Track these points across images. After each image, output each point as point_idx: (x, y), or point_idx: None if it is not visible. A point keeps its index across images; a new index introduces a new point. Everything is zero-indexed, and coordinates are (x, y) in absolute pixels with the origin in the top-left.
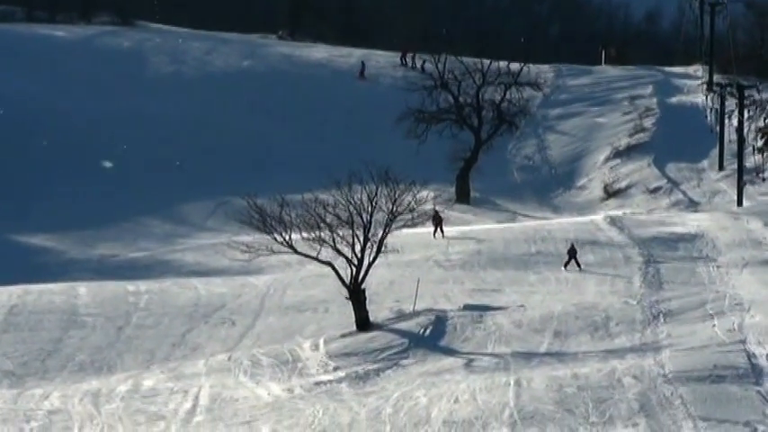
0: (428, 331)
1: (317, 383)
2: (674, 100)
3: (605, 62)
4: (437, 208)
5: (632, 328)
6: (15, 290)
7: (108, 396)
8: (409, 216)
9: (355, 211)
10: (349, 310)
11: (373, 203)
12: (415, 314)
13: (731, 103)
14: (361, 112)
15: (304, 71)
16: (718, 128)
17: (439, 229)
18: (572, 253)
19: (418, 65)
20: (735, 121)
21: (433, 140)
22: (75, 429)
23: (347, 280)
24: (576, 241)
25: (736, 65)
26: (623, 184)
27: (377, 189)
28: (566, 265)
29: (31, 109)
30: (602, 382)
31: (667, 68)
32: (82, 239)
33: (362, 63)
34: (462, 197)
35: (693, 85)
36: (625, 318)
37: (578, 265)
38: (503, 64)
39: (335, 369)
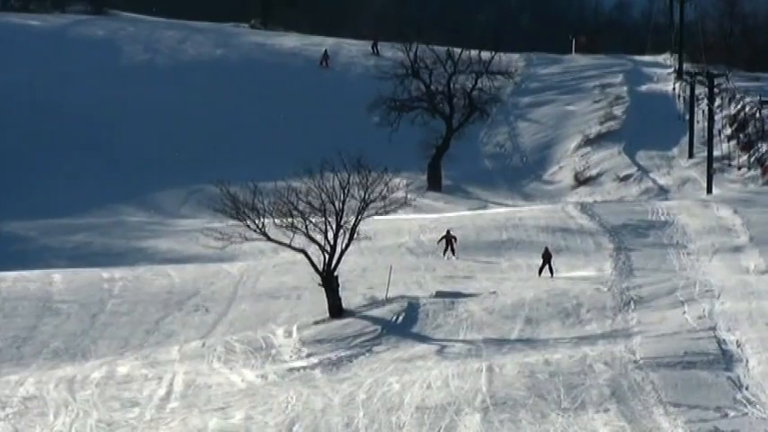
0: (400, 318)
1: (291, 370)
2: (644, 88)
3: (576, 51)
4: (449, 229)
5: (603, 314)
6: None
7: (83, 382)
8: (381, 204)
9: (328, 199)
10: (322, 297)
11: (345, 191)
12: (388, 301)
13: (701, 92)
14: (333, 101)
15: (276, 60)
16: (687, 116)
17: (450, 250)
18: (546, 258)
19: (382, 53)
20: (705, 110)
21: (405, 128)
22: (50, 416)
23: (320, 267)
24: (546, 228)
25: (705, 53)
26: (594, 172)
27: (349, 177)
28: (540, 271)
29: (4, 98)
30: (574, 368)
31: (637, 57)
32: (56, 227)
33: (325, 51)
34: (434, 185)
35: (663, 74)
36: (596, 304)
37: (551, 271)
38: (474, 52)
39: (309, 355)
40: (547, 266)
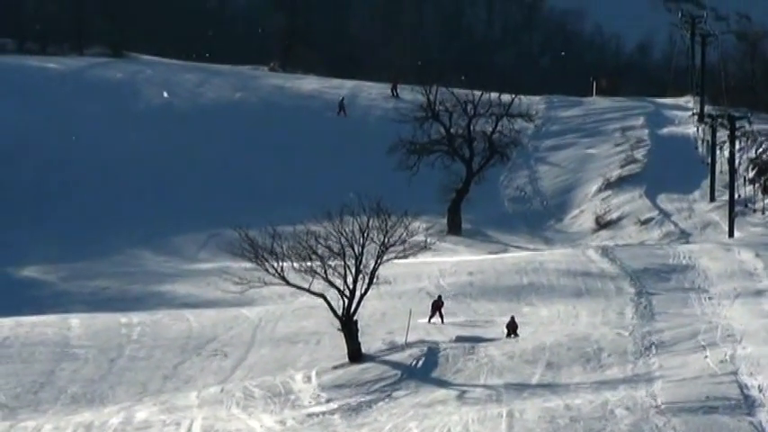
0: (420, 363)
1: (310, 415)
2: (665, 131)
3: (596, 93)
4: (440, 295)
5: (624, 359)
6: (7, 322)
7: (100, 428)
8: (401, 248)
9: (347, 243)
10: (341, 342)
11: (365, 235)
12: (408, 346)
13: (722, 135)
14: (352, 144)
15: (295, 103)
16: (709, 159)
17: (438, 315)
18: (512, 327)
19: (401, 96)
20: (726, 153)
21: (425, 172)
22: None
23: (339, 311)
24: (567, 272)
25: (727, 96)
26: (615, 216)
27: (368, 220)
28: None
29: (22, 141)
30: (595, 413)
31: (658, 100)
32: (74, 272)
33: (341, 99)
34: (454, 228)
35: (685, 117)
36: (617, 349)
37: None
38: (494, 95)
39: (328, 401)
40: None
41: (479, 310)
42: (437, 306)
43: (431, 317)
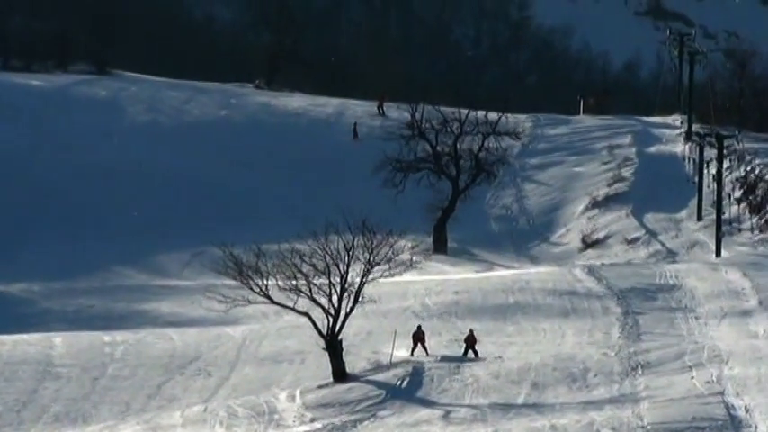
0: (405, 382)
1: None
2: (652, 150)
3: (584, 112)
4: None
5: (610, 379)
6: None
7: None
8: (386, 266)
9: (332, 261)
10: (326, 361)
11: (350, 253)
12: (393, 365)
13: (710, 153)
14: (338, 162)
15: (281, 121)
16: (696, 178)
17: (422, 347)
18: (470, 342)
19: (388, 113)
20: (714, 172)
21: (411, 190)
22: None
23: (324, 330)
24: (553, 291)
25: (715, 115)
26: (601, 235)
27: (354, 239)
28: (464, 355)
29: (6, 158)
30: None
31: (646, 118)
32: (57, 290)
33: (354, 124)
34: (440, 247)
35: (672, 135)
36: (603, 369)
37: (476, 354)
38: (481, 113)
39: (312, 420)
40: (471, 351)
41: (465, 329)
42: (418, 338)
43: (413, 349)
